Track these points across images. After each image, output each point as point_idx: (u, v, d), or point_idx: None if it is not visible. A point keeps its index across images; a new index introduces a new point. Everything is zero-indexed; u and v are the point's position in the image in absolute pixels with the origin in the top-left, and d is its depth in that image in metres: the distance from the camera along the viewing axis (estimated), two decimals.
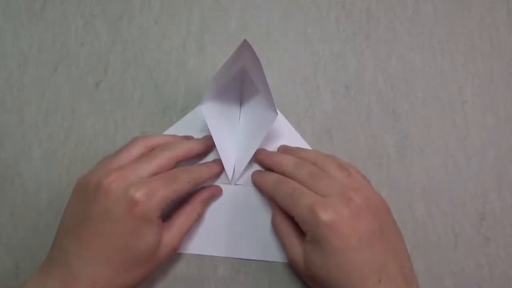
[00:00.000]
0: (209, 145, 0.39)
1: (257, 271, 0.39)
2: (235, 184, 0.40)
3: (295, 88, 0.43)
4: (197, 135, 0.41)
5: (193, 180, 0.36)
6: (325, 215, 0.31)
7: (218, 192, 0.40)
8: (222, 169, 0.40)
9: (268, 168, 0.39)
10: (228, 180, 0.40)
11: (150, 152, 0.35)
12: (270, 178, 0.37)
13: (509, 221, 0.40)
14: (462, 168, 0.41)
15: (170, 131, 0.41)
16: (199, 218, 0.38)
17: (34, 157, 0.42)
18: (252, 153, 0.39)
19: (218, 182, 0.40)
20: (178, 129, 0.41)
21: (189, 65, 0.44)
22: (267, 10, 0.45)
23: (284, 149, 0.40)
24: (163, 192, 0.33)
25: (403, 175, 0.41)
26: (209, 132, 0.38)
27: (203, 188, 0.39)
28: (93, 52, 0.44)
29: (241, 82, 0.42)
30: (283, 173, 0.36)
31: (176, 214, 0.36)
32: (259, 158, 0.40)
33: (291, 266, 0.37)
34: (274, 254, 0.39)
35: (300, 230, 0.34)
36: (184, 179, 0.35)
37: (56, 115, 0.43)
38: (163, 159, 0.35)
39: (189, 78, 0.43)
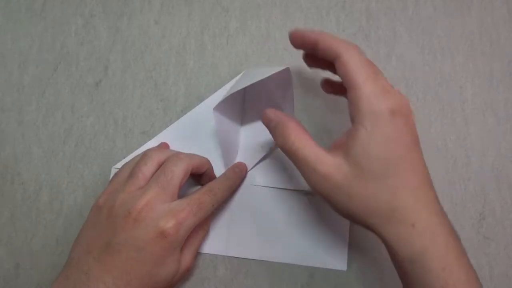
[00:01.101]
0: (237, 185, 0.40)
1: (257, 271, 0.39)
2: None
3: (295, 88, 0.43)
4: (196, 135, 0.41)
5: (218, 203, 0.36)
6: (389, 102, 0.29)
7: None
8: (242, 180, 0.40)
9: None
10: None
11: (165, 169, 0.35)
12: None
13: (509, 221, 0.40)
14: (462, 168, 0.41)
15: (168, 131, 0.41)
16: (207, 235, 0.39)
17: (34, 157, 0.42)
18: (259, 155, 0.39)
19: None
20: (178, 128, 0.41)
21: (189, 65, 0.44)
22: (267, 10, 0.45)
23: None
24: (191, 222, 0.33)
25: None
26: (207, 133, 0.39)
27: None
28: (93, 52, 0.44)
29: (244, 89, 0.41)
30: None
31: (189, 236, 0.35)
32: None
33: (321, 189, 0.30)
34: (275, 254, 0.39)
35: (316, 144, 0.31)
36: (209, 204, 0.35)
37: (56, 115, 0.43)
38: (180, 173, 0.34)
39: (189, 78, 0.43)
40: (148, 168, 0.35)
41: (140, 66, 0.44)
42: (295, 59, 0.44)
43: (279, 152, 0.41)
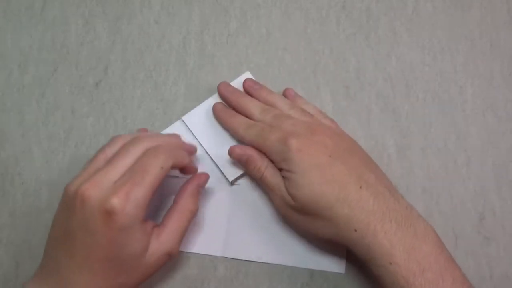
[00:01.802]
0: (192, 150, 0.39)
1: (257, 271, 0.39)
2: (233, 185, 0.40)
3: (295, 88, 0.43)
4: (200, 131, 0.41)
5: (167, 164, 0.32)
6: (294, 142, 0.34)
7: (204, 180, 0.37)
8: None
9: (232, 107, 0.40)
10: (227, 180, 0.40)
11: (121, 148, 0.33)
12: (239, 123, 0.38)
13: (509, 221, 0.40)
14: (462, 168, 0.41)
15: (170, 129, 0.42)
16: (194, 215, 0.36)
17: (34, 157, 0.42)
18: None
19: (216, 183, 0.40)
20: (180, 126, 0.42)
21: (189, 65, 0.44)
22: (267, 10, 0.45)
23: (249, 87, 0.41)
24: (137, 193, 0.30)
25: (403, 175, 0.41)
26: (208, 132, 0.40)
27: (188, 181, 0.37)
28: (93, 52, 0.44)
29: None
30: (249, 117, 0.39)
31: (167, 217, 0.35)
32: (222, 93, 0.41)
33: (281, 209, 0.36)
34: (273, 256, 0.38)
35: (279, 172, 0.36)
36: (157, 166, 0.32)
37: (56, 115, 0.43)
38: (135, 154, 0.32)
39: (189, 78, 0.43)
40: (111, 150, 0.34)
41: (140, 66, 0.44)
42: (295, 59, 0.44)
43: None
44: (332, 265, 0.38)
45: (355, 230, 0.31)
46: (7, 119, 0.43)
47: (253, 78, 0.42)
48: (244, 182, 0.40)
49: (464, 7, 0.45)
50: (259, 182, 0.38)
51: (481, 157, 0.41)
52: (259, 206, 0.40)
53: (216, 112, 0.41)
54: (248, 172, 0.38)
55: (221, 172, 0.40)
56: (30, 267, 0.39)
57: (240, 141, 0.39)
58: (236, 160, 0.38)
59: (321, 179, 0.33)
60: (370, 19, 0.45)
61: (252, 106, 0.39)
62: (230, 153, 0.38)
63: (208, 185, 0.39)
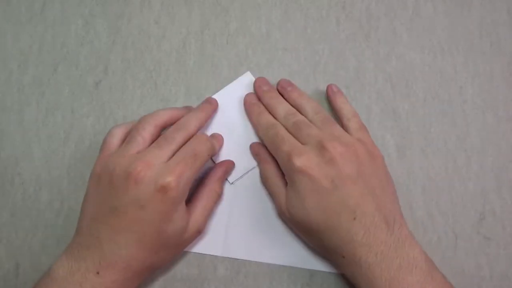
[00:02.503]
0: (214, 108, 0.41)
1: (257, 271, 0.39)
2: (231, 183, 0.40)
3: None
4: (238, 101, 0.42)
5: (212, 151, 0.37)
6: (298, 161, 0.34)
7: (231, 167, 0.40)
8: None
9: (263, 104, 0.41)
10: (227, 180, 0.40)
11: (167, 135, 0.36)
12: (261, 123, 0.39)
13: (509, 221, 0.40)
14: (462, 168, 0.41)
15: (220, 94, 0.42)
16: (219, 198, 0.39)
17: (34, 157, 0.42)
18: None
19: None
20: (226, 94, 0.42)
21: (189, 65, 0.44)
22: (267, 10, 0.45)
23: (283, 87, 0.41)
24: (188, 174, 0.34)
25: (403, 175, 0.41)
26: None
27: (216, 166, 0.39)
28: (93, 52, 0.44)
29: None
30: (274, 117, 0.39)
31: (197, 197, 0.37)
32: (257, 90, 0.41)
33: (279, 214, 0.39)
34: (273, 256, 0.38)
35: (284, 181, 0.37)
36: (204, 153, 0.36)
37: (56, 115, 0.43)
38: (180, 140, 0.36)
39: (189, 78, 0.43)
40: (146, 131, 0.36)
41: (140, 66, 0.44)
42: (295, 59, 0.44)
43: None
44: (332, 266, 0.38)
45: (343, 257, 0.33)
46: (7, 119, 0.43)
47: (253, 78, 0.42)
48: (244, 182, 0.40)
49: (464, 7, 0.45)
50: (263, 183, 0.40)
51: (481, 157, 0.41)
52: (259, 206, 0.40)
53: (246, 104, 0.41)
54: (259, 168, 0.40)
55: None
56: (30, 267, 0.39)
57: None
58: (252, 155, 0.41)
59: (317, 206, 0.33)
60: (370, 19, 0.45)
61: (280, 108, 0.39)
62: (250, 148, 0.41)
63: None
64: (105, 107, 0.43)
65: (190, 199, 0.37)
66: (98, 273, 0.32)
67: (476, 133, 0.42)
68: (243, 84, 0.42)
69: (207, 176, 0.39)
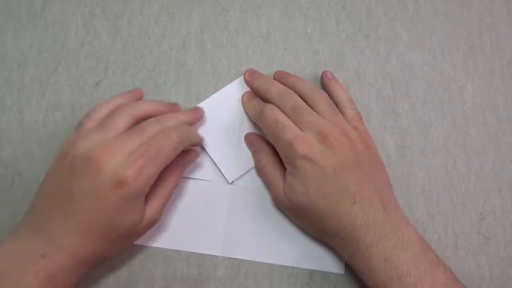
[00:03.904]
0: (198, 117, 0.40)
1: (257, 271, 0.39)
2: (231, 183, 0.40)
3: None
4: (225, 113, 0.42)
5: (180, 146, 0.35)
6: (302, 149, 0.34)
7: (192, 156, 0.39)
8: (202, 116, 0.41)
9: (256, 93, 0.41)
10: (227, 180, 0.40)
11: (141, 126, 0.35)
12: (254, 105, 0.39)
13: (509, 221, 0.40)
14: (462, 168, 0.41)
15: (218, 95, 0.42)
16: (176, 186, 0.38)
17: (34, 157, 0.42)
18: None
19: (216, 182, 0.40)
20: (224, 95, 0.42)
21: (189, 65, 0.44)
22: (267, 10, 0.45)
23: (280, 76, 0.41)
24: (150, 170, 0.33)
25: (403, 175, 0.41)
26: (234, 112, 0.41)
27: (177, 156, 0.37)
28: (93, 52, 0.44)
29: None
30: (268, 101, 0.38)
31: (154, 186, 0.35)
32: (247, 80, 0.41)
33: (275, 202, 0.39)
34: (273, 256, 0.38)
35: (281, 169, 0.37)
36: (170, 147, 0.34)
37: (56, 115, 0.43)
38: (152, 132, 0.34)
39: (189, 78, 0.43)
40: (121, 120, 0.35)
41: (140, 66, 0.44)
42: (295, 59, 0.44)
43: None
44: (332, 265, 0.38)
45: (342, 239, 0.34)
46: (7, 119, 0.43)
47: None
48: (243, 182, 0.40)
49: (464, 7, 0.45)
50: (258, 173, 0.40)
51: (481, 157, 0.41)
52: (258, 206, 0.40)
53: (244, 103, 0.41)
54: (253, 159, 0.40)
55: (221, 172, 0.40)
56: None
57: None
58: (247, 145, 0.41)
59: (318, 191, 0.34)
60: (370, 19, 0.45)
61: (273, 88, 0.39)
62: (244, 138, 0.41)
63: (207, 184, 0.40)
64: None
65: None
66: (43, 256, 0.31)
67: (476, 133, 0.42)
68: (241, 84, 0.42)
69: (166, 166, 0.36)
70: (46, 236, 0.32)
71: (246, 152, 0.41)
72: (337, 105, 0.39)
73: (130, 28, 0.45)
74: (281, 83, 0.40)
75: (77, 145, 0.33)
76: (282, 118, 0.36)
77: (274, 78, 0.41)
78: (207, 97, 0.42)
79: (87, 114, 0.36)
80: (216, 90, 0.43)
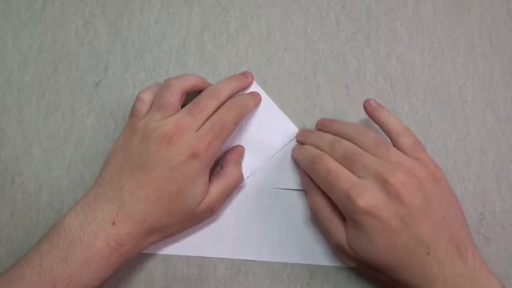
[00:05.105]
0: (248, 82, 0.42)
1: (257, 271, 0.39)
2: (243, 185, 0.40)
3: (295, 88, 0.43)
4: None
5: (239, 119, 0.38)
6: (362, 201, 0.31)
7: (242, 150, 0.41)
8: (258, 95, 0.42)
9: None
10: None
11: (200, 102, 0.37)
12: (305, 154, 0.37)
13: (509, 221, 0.40)
14: (462, 168, 0.41)
15: None
16: (240, 181, 0.39)
17: (34, 157, 0.42)
18: (267, 155, 0.41)
19: None
20: None
21: (189, 65, 0.44)
22: (267, 10, 0.45)
23: (322, 124, 0.40)
24: (217, 143, 0.35)
25: None
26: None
27: (229, 151, 0.40)
28: (93, 52, 0.44)
29: None
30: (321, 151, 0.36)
31: (218, 176, 0.38)
32: (299, 140, 0.41)
33: (335, 250, 0.36)
34: (284, 255, 0.39)
35: (340, 213, 0.34)
36: (232, 122, 0.37)
37: (56, 115, 0.43)
38: (211, 109, 0.37)
39: None
40: (173, 96, 0.36)
41: (140, 66, 0.44)
42: (295, 59, 0.44)
43: (282, 154, 0.41)
44: (334, 259, 0.38)
45: None
46: (7, 119, 0.43)
47: (255, 83, 0.42)
48: (250, 182, 0.40)
49: (464, 7, 0.45)
50: (314, 217, 0.38)
51: (481, 157, 0.41)
52: (266, 206, 0.40)
53: (294, 154, 0.40)
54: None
55: None
56: None
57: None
58: (301, 184, 0.40)
59: (388, 245, 0.31)
60: (370, 19, 0.45)
61: (323, 140, 0.36)
62: (300, 174, 0.40)
63: None
64: (105, 107, 0.43)
65: (211, 179, 0.37)
66: (114, 223, 0.33)
67: (476, 133, 0.42)
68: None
69: (224, 161, 0.39)
70: (117, 203, 0.33)
71: (252, 152, 0.41)
72: (389, 135, 0.35)
73: (130, 28, 0.45)
74: (324, 130, 0.38)
75: (143, 126, 0.35)
76: (334, 166, 0.33)
77: (317, 127, 0.40)
78: None
79: (138, 98, 0.37)
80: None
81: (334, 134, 0.37)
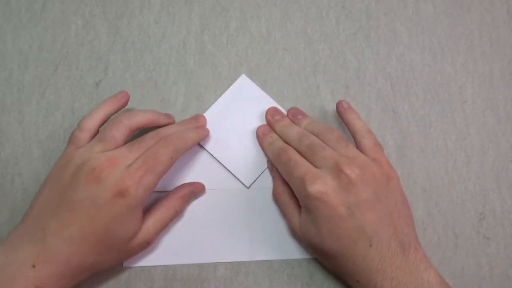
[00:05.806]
0: (200, 127, 0.40)
1: (257, 271, 0.39)
2: (248, 188, 0.40)
3: (295, 88, 0.43)
4: (245, 103, 0.42)
5: (177, 154, 0.35)
6: (313, 187, 0.33)
7: (199, 190, 0.39)
8: (207, 131, 0.40)
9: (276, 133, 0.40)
10: (244, 185, 0.40)
11: (141, 139, 0.36)
12: (273, 148, 0.39)
13: (509, 221, 0.40)
14: (462, 168, 0.41)
15: (219, 102, 0.42)
16: (177, 215, 0.38)
17: (34, 157, 0.42)
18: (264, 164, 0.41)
19: (233, 189, 0.40)
20: (226, 101, 0.42)
21: (189, 65, 0.44)
22: (267, 10, 0.45)
23: (294, 116, 0.41)
24: (149, 179, 0.33)
25: (403, 175, 0.41)
26: (255, 99, 0.42)
27: (184, 184, 0.39)
28: (93, 52, 0.44)
29: None
30: (288, 143, 0.38)
31: (154, 208, 0.36)
32: (269, 119, 0.41)
33: (291, 233, 0.39)
34: (293, 252, 0.39)
35: (297, 200, 0.36)
36: (167, 156, 0.34)
37: (56, 115, 0.43)
38: (150, 144, 0.35)
39: (189, 78, 0.43)
40: (119, 132, 0.35)
41: (140, 66, 0.44)
42: (295, 59, 0.44)
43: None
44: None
45: (357, 281, 0.33)
46: (7, 119, 0.43)
47: (249, 80, 0.42)
48: (259, 184, 0.40)
49: (464, 7, 0.45)
50: (274, 200, 0.40)
51: (481, 157, 0.41)
52: (266, 206, 0.40)
53: (259, 137, 0.41)
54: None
55: (237, 178, 0.40)
56: None
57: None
58: (269, 170, 0.41)
59: (331, 233, 0.33)
60: (370, 19, 0.45)
61: (292, 133, 0.38)
62: (267, 163, 0.40)
63: (225, 193, 0.40)
64: None
65: (148, 209, 0.36)
66: (34, 266, 0.31)
67: (476, 133, 0.42)
68: (242, 87, 0.42)
69: (172, 191, 0.38)
70: (38, 245, 0.32)
71: (257, 155, 0.41)
72: (354, 135, 0.37)
73: (130, 28, 0.45)
74: (294, 122, 0.40)
75: (79, 156, 0.34)
76: (296, 156, 0.35)
77: (288, 116, 0.41)
78: (207, 96, 0.42)
79: (78, 126, 0.36)
80: (216, 90, 0.43)
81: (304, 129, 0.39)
